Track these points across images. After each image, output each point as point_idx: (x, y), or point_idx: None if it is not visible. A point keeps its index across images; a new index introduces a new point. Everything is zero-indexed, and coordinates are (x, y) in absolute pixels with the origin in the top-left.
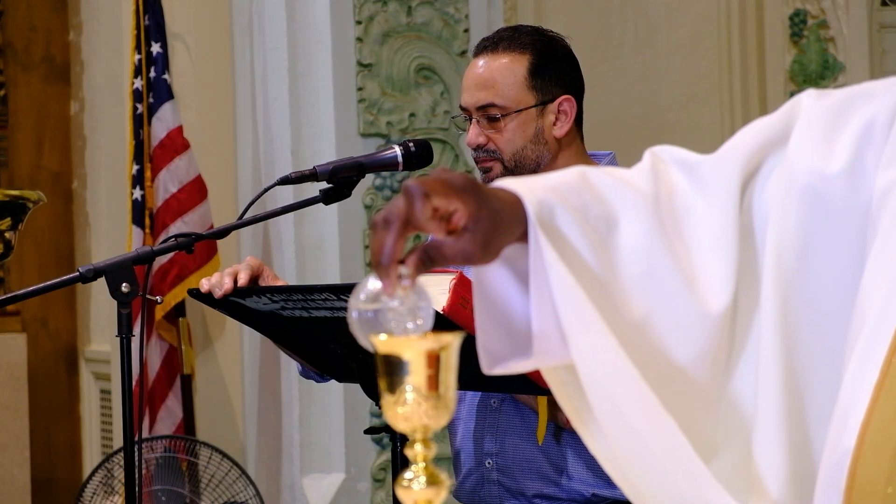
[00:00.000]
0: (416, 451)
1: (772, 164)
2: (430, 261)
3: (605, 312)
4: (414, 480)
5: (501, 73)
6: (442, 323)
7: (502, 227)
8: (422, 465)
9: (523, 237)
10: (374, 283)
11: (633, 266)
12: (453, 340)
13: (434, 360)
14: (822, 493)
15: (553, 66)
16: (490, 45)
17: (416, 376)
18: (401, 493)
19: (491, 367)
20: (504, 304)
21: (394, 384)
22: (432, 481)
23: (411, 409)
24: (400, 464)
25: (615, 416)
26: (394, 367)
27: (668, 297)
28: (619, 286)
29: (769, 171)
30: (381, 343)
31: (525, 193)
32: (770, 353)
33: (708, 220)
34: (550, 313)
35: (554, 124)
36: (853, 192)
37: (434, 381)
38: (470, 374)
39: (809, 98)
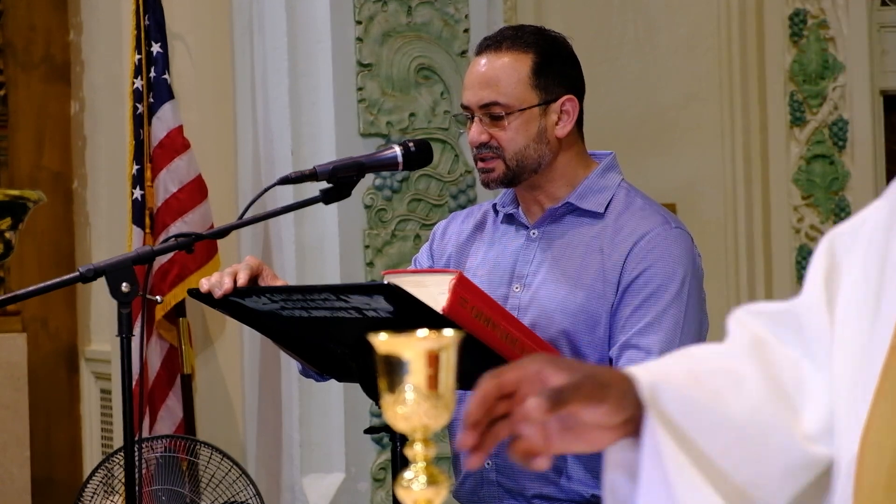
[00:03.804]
0: (415, 451)
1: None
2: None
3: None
4: (414, 480)
5: (505, 72)
6: (441, 323)
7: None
8: (422, 464)
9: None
10: None
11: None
12: (453, 340)
13: (434, 360)
14: (837, 499)
15: (556, 66)
16: (493, 43)
17: (415, 376)
18: (401, 493)
19: None
20: None
21: (394, 384)
22: (432, 481)
23: (411, 409)
24: (400, 464)
25: None
26: (394, 367)
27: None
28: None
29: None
30: (381, 343)
31: (639, 375)
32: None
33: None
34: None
35: (556, 124)
36: None
37: (434, 381)
38: (470, 374)
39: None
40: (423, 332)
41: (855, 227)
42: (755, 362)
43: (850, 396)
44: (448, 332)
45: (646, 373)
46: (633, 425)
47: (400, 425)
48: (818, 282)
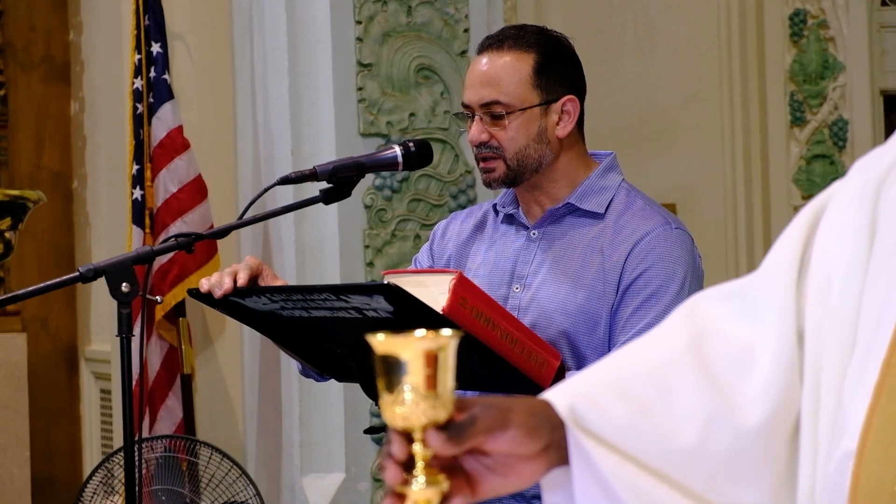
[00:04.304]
0: (414, 451)
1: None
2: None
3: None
4: (413, 481)
5: (506, 71)
6: (441, 323)
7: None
8: (421, 464)
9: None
10: None
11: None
12: (451, 340)
13: (432, 360)
14: (825, 500)
15: (558, 66)
16: (495, 43)
17: (414, 376)
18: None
19: None
20: None
21: (392, 384)
22: (431, 482)
23: (409, 408)
24: None
25: None
26: (392, 367)
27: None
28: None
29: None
30: (379, 343)
31: (554, 397)
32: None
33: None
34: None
35: (557, 124)
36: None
37: (432, 381)
38: (469, 374)
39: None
40: (420, 333)
41: (834, 195)
42: (689, 362)
43: (844, 390)
44: (446, 332)
45: (562, 395)
46: (558, 452)
47: (399, 425)
48: (790, 255)
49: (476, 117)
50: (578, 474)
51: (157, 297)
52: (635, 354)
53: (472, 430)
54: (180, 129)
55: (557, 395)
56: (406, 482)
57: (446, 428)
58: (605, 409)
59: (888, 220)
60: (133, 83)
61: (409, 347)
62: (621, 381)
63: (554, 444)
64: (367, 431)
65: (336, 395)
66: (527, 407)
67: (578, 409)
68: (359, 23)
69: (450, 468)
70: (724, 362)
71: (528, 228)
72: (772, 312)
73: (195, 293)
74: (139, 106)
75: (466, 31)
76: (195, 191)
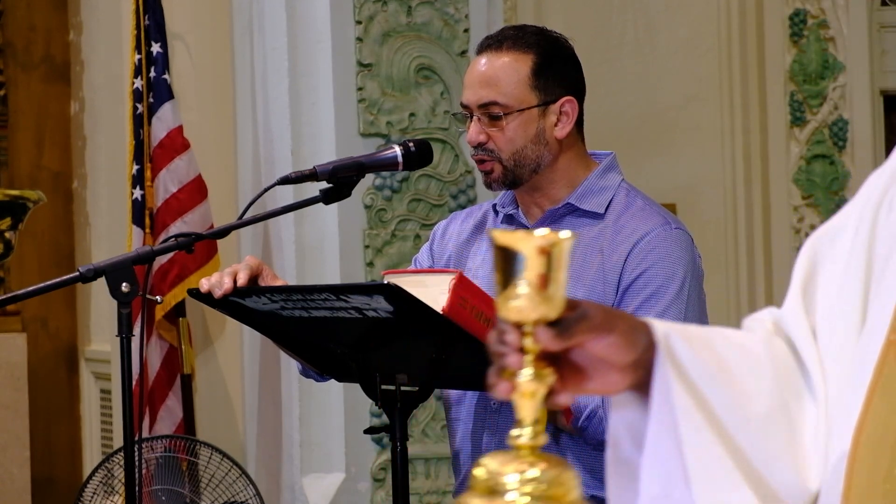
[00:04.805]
0: (527, 345)
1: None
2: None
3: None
4: (520, 372)
5: (505, 72)
6: (442, 322)
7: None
8: (529, 357)
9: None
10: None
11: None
12: (567, 240)
13: (548, 258)
14: (823, 498)
15: (556, 67)
16: (494, 43)
17: (530, 272)
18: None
19: None
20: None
21: (508, 278)
22: (538, 374)
23: (523, 302)
24: (399, 463)
25: None
26: (509, 261)
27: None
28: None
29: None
30: (499, 235)
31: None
32: None
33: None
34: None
35: (555, 125)
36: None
37: (546, 278)
38: (470, 374)
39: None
40: (540, 231)
41: (836, 228)
42: (769, 355)
43: (841, 394)
44: (564, 234)
45: (660, 323)
46: (642, 372)
47: (512, 317)
48: (796, 289)
49: (474, 118)
50: (658, 399)
51: (157, 297)
52: (720, 330)
53: (580, 327)
54: (180, 129)
55: (656, 321)
56: (512, 372)
57: (555, 324)
58: (696, 350)
59: (885, 231)
60: (133, 83)
61: (527, 243)
62: (710, 339)
63: (642, 363)
64: (367, 431)
65: (336, 395)
66: (629, 318)
67: (672, 340)
68: (359, 23)
69: (551, 363)
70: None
71: (527, 228)
72: (807, 358)
73: (195, 293)
74: (139, 106)
75: (466, 31)
76: (195, 191)
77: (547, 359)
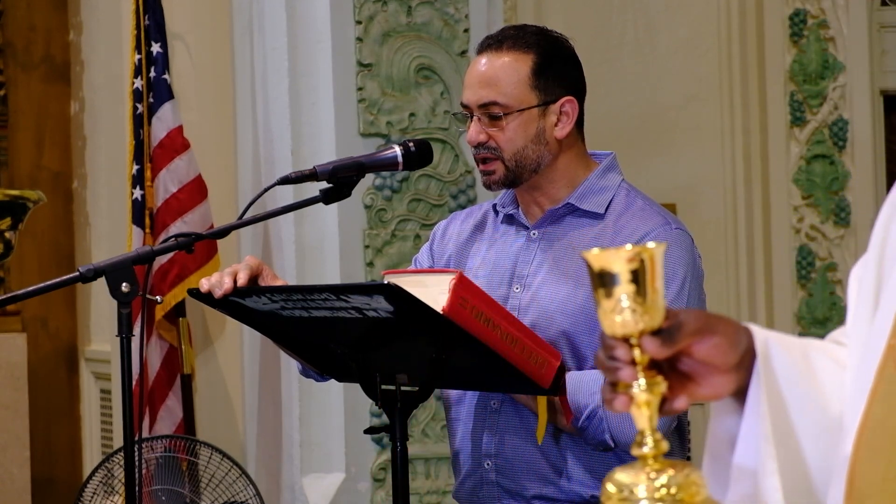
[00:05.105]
0: (636, 355)
1: None
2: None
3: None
4: (634, 384)
5: (505, 72)
6: (442, 323)
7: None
8: (639, 368)
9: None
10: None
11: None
12: (656, 248)
13: (640, 268)
14: (830, 500)
15: (557, 67)
16: (494, 43)
17: (627, 286)
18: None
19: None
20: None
21: (609, 294)
22: (651, 383)
23: (627, 316)
24: (399, 463)
25: None
26: (607, 279)
27: None
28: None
29: None
30: (593, 257)
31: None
32: None
33: None
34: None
35: (555, 125)
36: None
37: (644, 290)
38: (469, 374)
39: None
40: (628, 246)
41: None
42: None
43: (852, 398)
44: (650, 245)
45: (760, 328)
46: (745, 374)
47: (618, 332)
48: (849, 312)
49: (474, 118)
50: (750, 408)
51: (157, 297)
52: (810, 341)
53: (682, 332)
54: (180, 129)
55: (756, 327)
56: (626, 385)
57: (658, 333)
58: (793, 360)
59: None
60: (133, 83)
61: (620, 259)
62: (806, 349)
63: (744, 365)
64: (367, 431)
65: (336, 395)
66: (729, 321)
67: (772, 347)
68: (359, 23)
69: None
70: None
71: (527, 229)
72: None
73: (195, 293)
74: (139, 106)
75: (466, 31)
76: (195, 191)
77: (654, 368)
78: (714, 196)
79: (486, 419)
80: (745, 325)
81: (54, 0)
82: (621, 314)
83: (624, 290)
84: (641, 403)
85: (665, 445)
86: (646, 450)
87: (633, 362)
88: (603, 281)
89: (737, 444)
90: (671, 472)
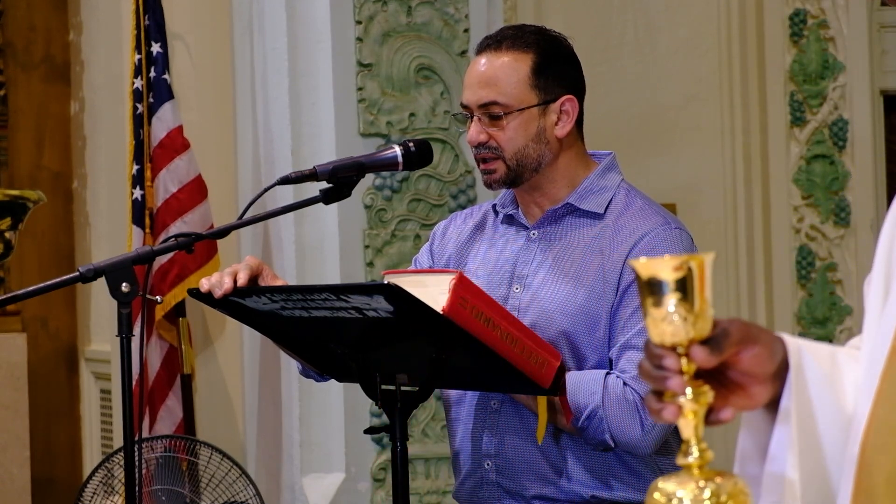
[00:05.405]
0: (683, 364)
1: None
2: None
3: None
4: (681, 395)
5: (504, 72)
6: (442, 323)
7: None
8: (687, 377)
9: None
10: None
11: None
12: (706, 258)
13: (689, 277)
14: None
15: (556, 66)
16: (494, 43)
17: (675, 294)
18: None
19: None
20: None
21: (657, 303)
22: (698, 393)
23: (676, 325)
24: (399, 463)
25: None
26: (655, 288)
27: None
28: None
29: None
30: (641, 266)
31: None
32: None
33: None
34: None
35: (556, 124)
36: None
37: (692, 299)
38: (469, 374)
39: None
40: (677, 255)
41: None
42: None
43: (859, 400)
44: (701, 254)
45: (791, 338)
46: (779, 384)
47: (667, 341)
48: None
49: (474, 118)
50: (783, 417)
51: (157, 297)
52: (837, 348)
53: (728, 341)
54: (180, 129)
55: (788, 336)
56: (673, 394)
57: (705, 342)
58: (823, 369)
59: None
60: (133, 83)
61: (669, 268)
62: (836, 357)
63: (778, 374)
64: (367, 431)
65: (336, 395)
66: (767, 331)
67: (804, 356)
68: (359, 23)
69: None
70: None
71: (527, 229)
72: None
73: (195, 293)
74: (139, 106)
75: (466, 31)
76: (195, 191)
77: (700, 377)
78: (714, 196)
79: (486, 419)
80: (778, 334)
81: (54, 0)
82: (671, 323)
83: (673, 299)
84: (688, 413)
85: (711, 455)
86: (691, 459)
87: (680, 372)
88: (651, 289)
89: (768, 453)
90: (719, 480)
